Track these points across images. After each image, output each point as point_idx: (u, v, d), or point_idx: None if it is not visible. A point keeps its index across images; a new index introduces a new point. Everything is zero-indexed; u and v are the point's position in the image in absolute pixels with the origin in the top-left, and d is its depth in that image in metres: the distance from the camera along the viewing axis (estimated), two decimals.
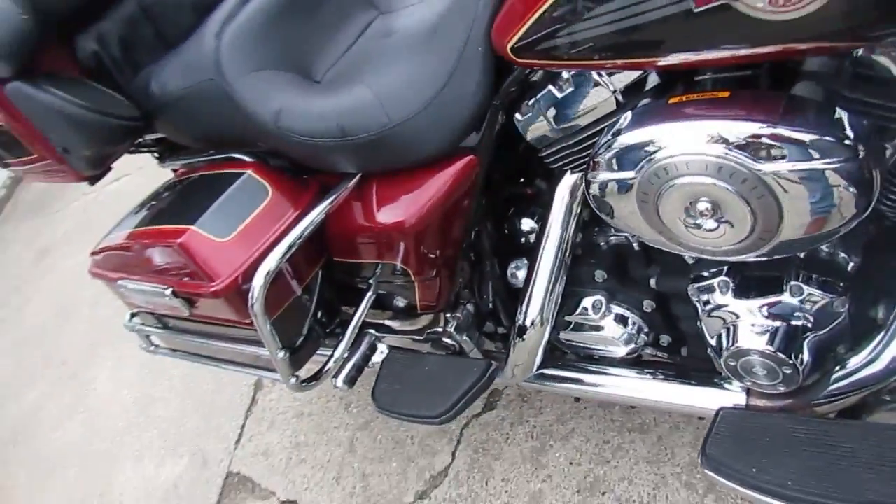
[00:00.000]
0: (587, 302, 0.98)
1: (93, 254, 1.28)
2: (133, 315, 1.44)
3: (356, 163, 0.98)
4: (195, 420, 2.00)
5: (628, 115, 0.71)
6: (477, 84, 0.83)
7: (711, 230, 0.69)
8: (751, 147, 0.60)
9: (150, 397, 2.18)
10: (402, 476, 1.49)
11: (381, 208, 0.99)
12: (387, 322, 1.23)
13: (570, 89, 0.78)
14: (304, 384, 1.15)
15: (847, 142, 0.58)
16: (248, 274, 0.98)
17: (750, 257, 0.70)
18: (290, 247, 0.99)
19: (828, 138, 0.58)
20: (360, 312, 1.16)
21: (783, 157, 0.59)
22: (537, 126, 0.84)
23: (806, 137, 0.58)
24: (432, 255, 1.00)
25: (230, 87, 0.99)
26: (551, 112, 0.81)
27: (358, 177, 1.00)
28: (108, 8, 1.19)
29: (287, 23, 1.06)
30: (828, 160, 0.58)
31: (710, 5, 0.55)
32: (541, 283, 0.96)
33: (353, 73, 1.01)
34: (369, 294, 1.16)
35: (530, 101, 0.82)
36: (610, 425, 1.31)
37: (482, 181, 0.95)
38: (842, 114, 0.60)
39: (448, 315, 1.09)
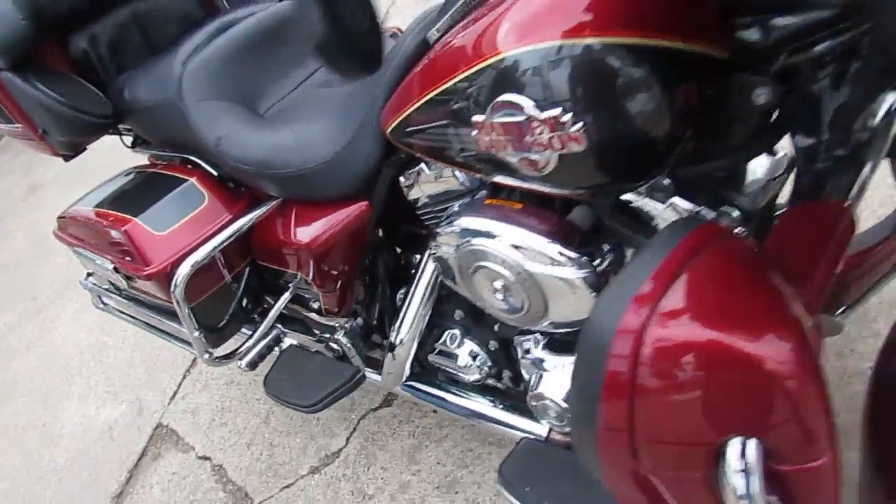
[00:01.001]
0: (447, 334, 1.19)
1: (59, 218, 1.49)
2: (89, 275, 1.65)
3: (277, 190, 1.18)
4: (140, 371, 2.21)
5: (457, 204, 0.91)
6: (370, 149, 1.03)
7: (503, 304, 0.89)
8: (526, 251, 0.81)
9: (105, 344, 2.39)
10: (303, 451, 1.70)
11: (295, 229, 1.19)
12: (308, 316, 1.43)
13: (436, 170, 0.98)
14: (217, 360, 1.35)
15: (594, 260, 0.79)
16: (175, 264, 1.18)
17: (536, 327, 0.91)
18: (215, 247, 1.19)
19: (579, 255, 0.79)
20: (276, 309, 1.37)
21: (547, 263, 0.80)
22: (413, 192, 1.04)
23: (564, 252, 0.79)
24: (332, 273, 1.20)
25: (186, 109, 1.20)
26: (422, 183, 1.01)
27: (280, 200, 1.21)
28: (104, 13, 1.39)
29: (245, 61, 1.26)
30: (576, 271, 0.79)
31: (488, 153, 0.75)
32: (412, 310, 1.17)
33: (288, 113, 1.21)
34: (286, 294, 1.36)
35: (409, 171, 1.03)
36: (476, 436, 1.52)
37: (375, 222, 1.15)
38: (596, 237, 0.80)
39: (340, 323, 1.30)
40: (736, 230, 0.72)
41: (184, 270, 1.17)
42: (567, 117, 0.64)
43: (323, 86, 1.25)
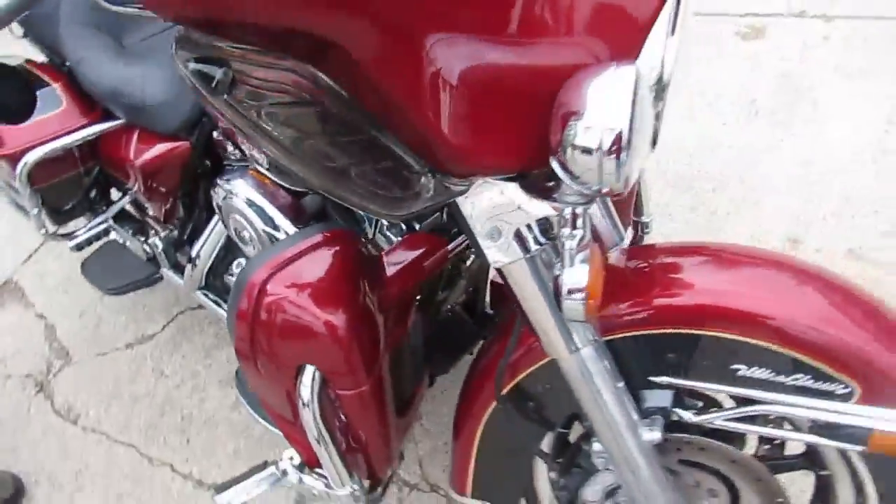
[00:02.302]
0: (235, 262, 1.48)
1: None
2: None
3: (121, 114, 1.43)
4: (7, 229, 2.41)
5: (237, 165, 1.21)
6: (195, 99, 1.28)
7: (246, 244, 1.20)
8: (258, 211, 1.11)
9: None
10: (124, 329, 1.99)
11: (130, 149, 1.45)
12: (142, 220, 1.69)
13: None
14: (51, 236, 1.61)
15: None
16: (21, 154, 1.42)
17: None
18: (59, 147, 1.43)
19: (287, 223, 1.09)
20: (113, 208, 1.63)
21: (267, 224, 1.11)
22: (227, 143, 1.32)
23: (278, 218, 1.10)
24: (158, 190, 1.47)
25: (59, 27, 1.42)
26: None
27: (123, 121, 1.46)
28: None
29: None
30: (280, 234, 1.10)
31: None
32: (213, 234, 1.45)
33: (148, 51, 1.46)
34: (125, 199, 1.62)
35: (222, 126, 1.30)
36: None
37: (196, 158, 1.42)
38: (318, 217, 1.11)
39: (155, 230, 1.57)
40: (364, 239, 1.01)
41: (29, 159, 1.41)
42: None
43: None
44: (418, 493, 1.42)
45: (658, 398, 0.89)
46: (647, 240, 1.28)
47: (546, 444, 1.03)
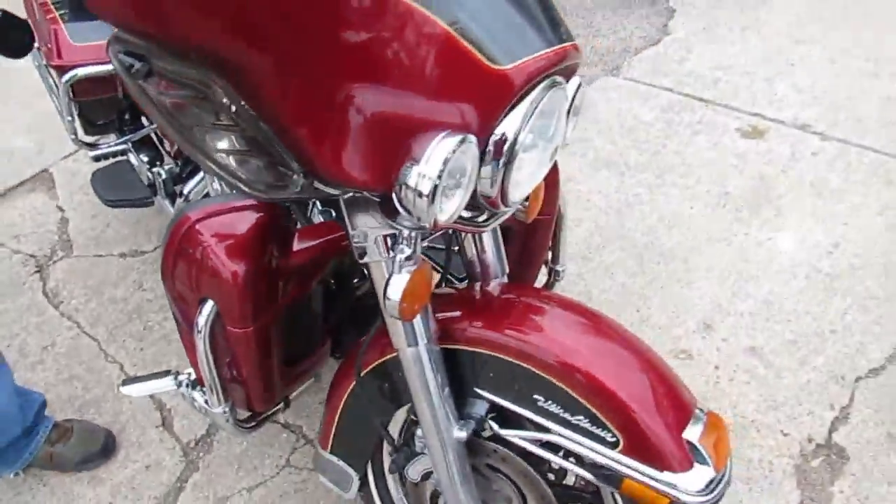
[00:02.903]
0: None
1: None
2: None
3: None
4: (60, 126, 2.70)
5: None
6: None
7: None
8: None
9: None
10: (124, 239, 2.25)
11: None
12: (159, 150, 1.94)
13: None
14: (77, 142, 1.85)
15: None
16: (70, 68, 1.67)
17: None
18: (107, 71, 1.67)
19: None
20: (138, 133, 1.87)
21: None
22: None
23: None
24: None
25: None
26: None
27: None
28: None
29: None
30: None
31: None
32: (197, 178, 1.68)
33: None
34: (151, 127, 1.87)
35: None
36: None
37: None
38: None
39: (163, 162, 1.81)
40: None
41: (75, 74, 1.66)
42: None
43: None
44: (310, 448, 1.63)
45: (476, 407, 1.07)
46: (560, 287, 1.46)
47: (393, 422, 1.22)
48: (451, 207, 0.79)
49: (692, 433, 0.93)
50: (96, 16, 0.70)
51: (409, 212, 0.77)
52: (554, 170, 1.30)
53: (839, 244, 1.97)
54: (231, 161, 0.82)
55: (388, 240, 0.91)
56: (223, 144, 0.81)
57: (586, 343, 1.01)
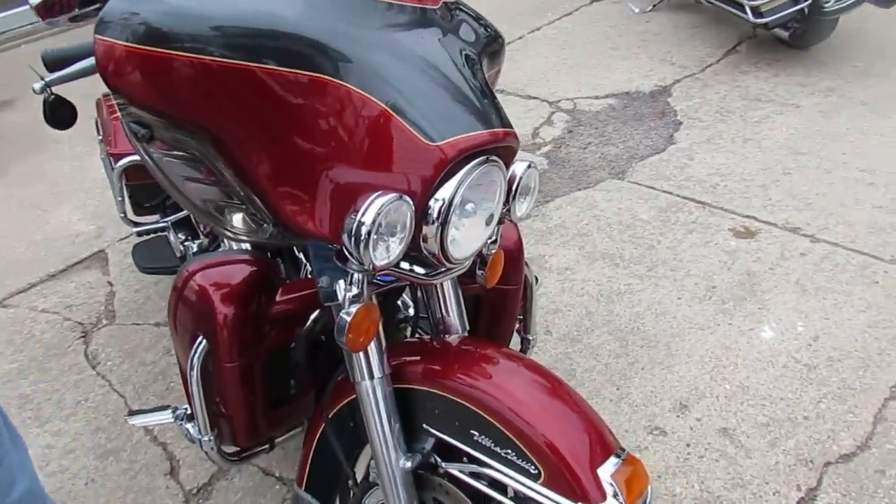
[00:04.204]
0: None
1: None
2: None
3: None
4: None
5: None
6: None
7: None
8: None
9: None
10: (161, 310, 2.49)
11: None
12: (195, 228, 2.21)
13: None
14: (125, 220, 2.14)
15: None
16: (122, 157, 1.97)
17: None
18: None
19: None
20: (177, 216, 2.15)
21: None
22: None
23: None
24: None
25: None
26: None
27: None
28: None
29: None
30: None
31: None
32: None
33: None
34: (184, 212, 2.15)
35: None
36: None
37: None
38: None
39: (195, 238, 2.06)
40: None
41: (126, 161, 1.95)
42: None
43: None
44: None
45: (423, 442, 1.21)
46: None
47: (363, 458, 1.36)
48: (387, 254, 0.97)
49: (606, 470, 1.04)
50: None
51: (352, 255, 0.95)
52: (516, 244, 1.48)
53: (819, 337, 2.05)
54: (213, 209, 1.04)
55: (343, 283, 1.09)
56: (209, 196, 1.03)
57: (521, 388, 1.14)
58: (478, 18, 1.32)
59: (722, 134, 3.19)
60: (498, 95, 1.10)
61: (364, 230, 0.91)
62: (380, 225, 0.93)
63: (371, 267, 0.95)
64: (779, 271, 2.32)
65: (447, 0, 1.27)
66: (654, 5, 4.59)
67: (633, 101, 3.55)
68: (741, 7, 3.48)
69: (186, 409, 1.43)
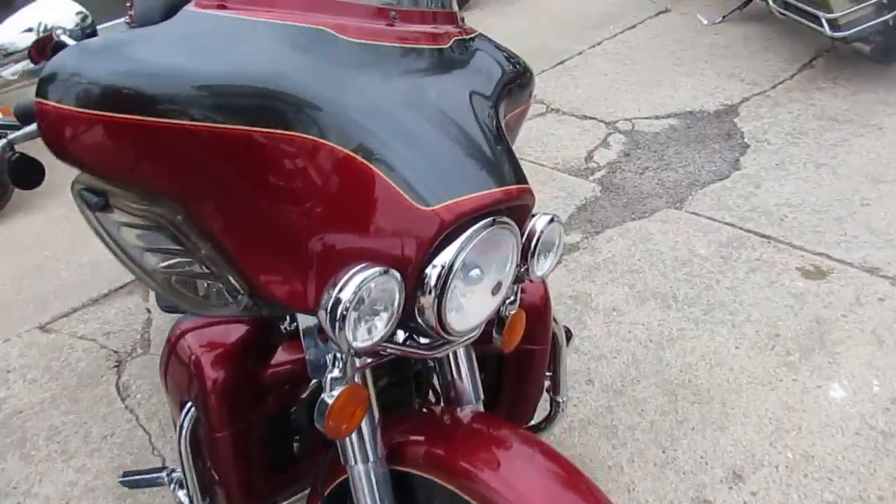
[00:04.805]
0: None
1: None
2: None
3: None
4: None
5: None
6: None
7: None
8: None
9: None
10: None
11: None
12: None
13: None
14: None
15: None
16: None
17: None
18: None
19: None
20: None
21: None
22: None
23: None
24: None
25: None
26: None
27: None
28: None
29: None
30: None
31: None
32: None
33: None
34: None
35: None
36: None
37: None
38: None
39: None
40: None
41: None
42: None
43: None
44: None
45: None
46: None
47: None
48: (369, 335, 0.85)
49: None
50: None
51: (329, 335, 0.84)
52: (542, 300, 1.34)
53: None
54: (177, 282, 0.95)
55: (329, 360, 0.98)
56: (174, 267, 0.94)
57: (533, 482, 1.01)
58: (501, 51, 1.19)
59: (793, 158, 2.94)
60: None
61: (341, 308, 0.81)
62: (361, 302, 0.82)
63: (346, 347, 0.84)
64: (853, 319, 2.08)
65: (464, 35, 1.15)
66: (724, 16, 4.33)
67: (697, 121, 3.33)
68: (817, 20, 3.21)
69: (176, 472, 1.34)
